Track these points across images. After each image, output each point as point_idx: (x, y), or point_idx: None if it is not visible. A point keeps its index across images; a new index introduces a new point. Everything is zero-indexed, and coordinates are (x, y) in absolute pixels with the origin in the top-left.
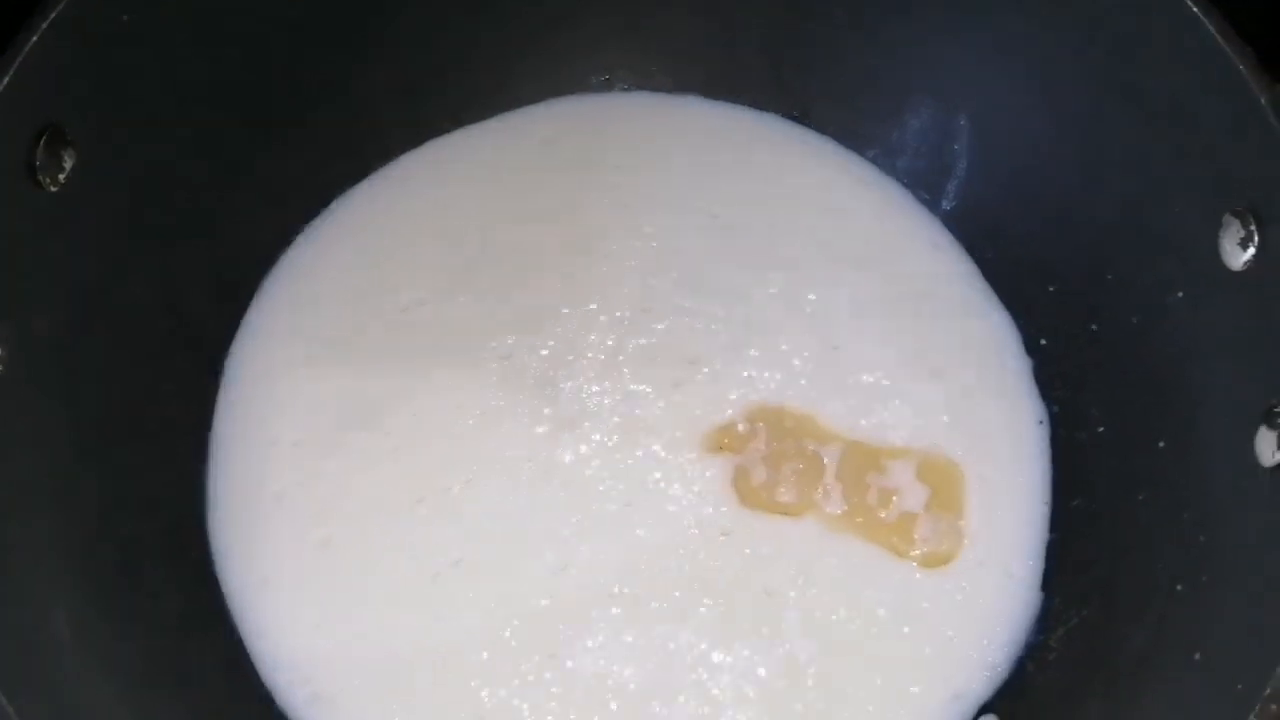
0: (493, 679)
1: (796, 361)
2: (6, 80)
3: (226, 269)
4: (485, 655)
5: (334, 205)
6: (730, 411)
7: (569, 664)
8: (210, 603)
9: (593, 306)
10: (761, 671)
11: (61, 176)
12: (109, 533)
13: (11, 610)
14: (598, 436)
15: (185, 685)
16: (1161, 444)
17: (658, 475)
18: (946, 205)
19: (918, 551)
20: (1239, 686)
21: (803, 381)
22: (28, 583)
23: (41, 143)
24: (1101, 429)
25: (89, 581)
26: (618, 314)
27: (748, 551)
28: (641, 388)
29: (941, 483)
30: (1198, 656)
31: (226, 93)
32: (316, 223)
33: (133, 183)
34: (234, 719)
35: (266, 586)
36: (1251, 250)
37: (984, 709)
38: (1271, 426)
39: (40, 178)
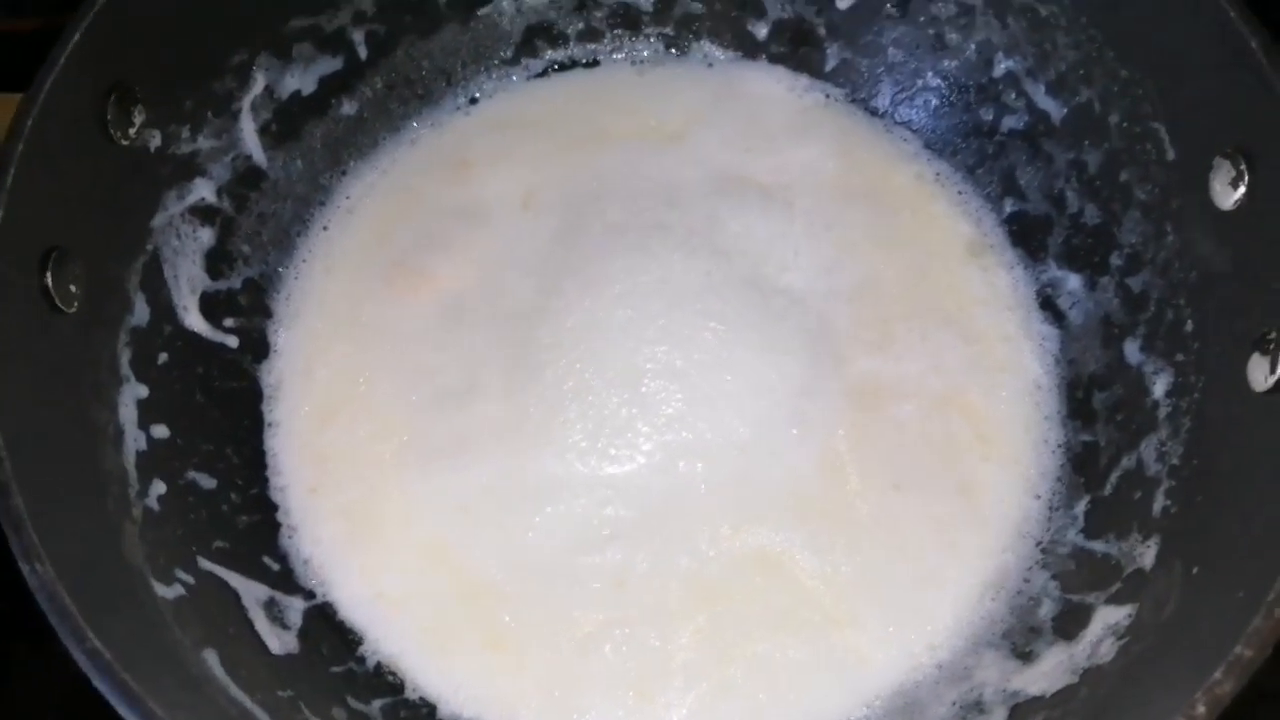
0: None
1: None
2: (77, 37)
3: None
4: None
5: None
6: None
7: None
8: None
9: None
10: None
11: (132, 131)
12: None
13: None
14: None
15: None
16: (1158, 378)
17: None
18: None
19: None
20: (1240, 594)
21: None
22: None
23: (111, 99)
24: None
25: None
26: None
27: None
28: None
29: None
30: (1195, 571)
31: None
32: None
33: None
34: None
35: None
36: (1242, 189)
37: None
38: (1264, 353)
39: (112, 131)
